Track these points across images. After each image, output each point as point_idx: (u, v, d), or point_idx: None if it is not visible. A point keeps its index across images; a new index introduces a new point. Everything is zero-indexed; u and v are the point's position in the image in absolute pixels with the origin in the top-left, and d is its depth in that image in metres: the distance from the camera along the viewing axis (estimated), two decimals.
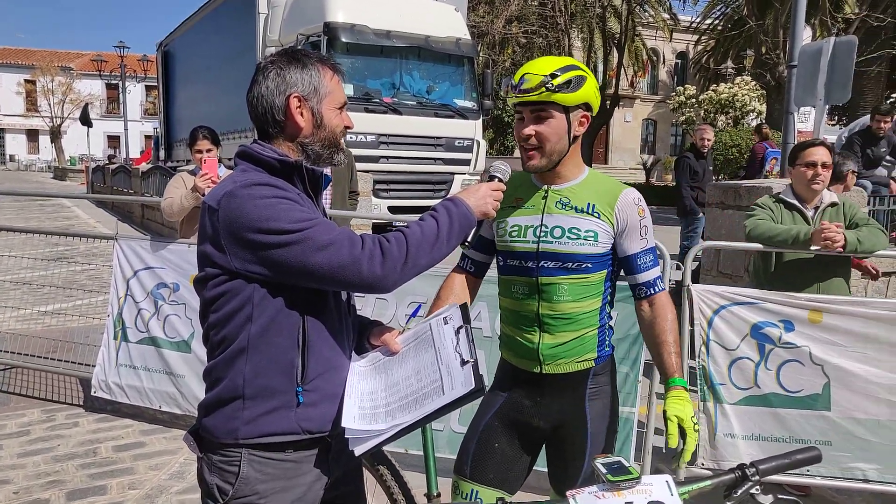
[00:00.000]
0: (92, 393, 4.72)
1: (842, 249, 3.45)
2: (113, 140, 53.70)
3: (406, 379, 1.72)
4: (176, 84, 19.81)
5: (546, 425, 2.17)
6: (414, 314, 2.07)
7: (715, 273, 6.52)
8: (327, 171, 1.90)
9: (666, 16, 33.74)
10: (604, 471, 1.30)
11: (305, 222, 1.59)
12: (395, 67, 11.31)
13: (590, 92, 2.03)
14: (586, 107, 2.05)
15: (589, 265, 2.07)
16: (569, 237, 2.05)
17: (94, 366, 4.77)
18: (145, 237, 4.88)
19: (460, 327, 1.72)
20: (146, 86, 51.12)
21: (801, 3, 7.75)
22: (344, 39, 10.60)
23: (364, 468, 2.04)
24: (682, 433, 1.91)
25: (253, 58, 12.67)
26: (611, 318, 2.20)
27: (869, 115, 8.03)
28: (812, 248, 3.52)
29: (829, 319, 3.49)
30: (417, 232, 1.69)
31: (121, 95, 34.61)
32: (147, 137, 48.48)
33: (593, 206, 2.07)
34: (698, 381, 3.57)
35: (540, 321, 2.11)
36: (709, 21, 31.74)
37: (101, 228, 16.06)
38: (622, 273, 2.19)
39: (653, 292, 2.15)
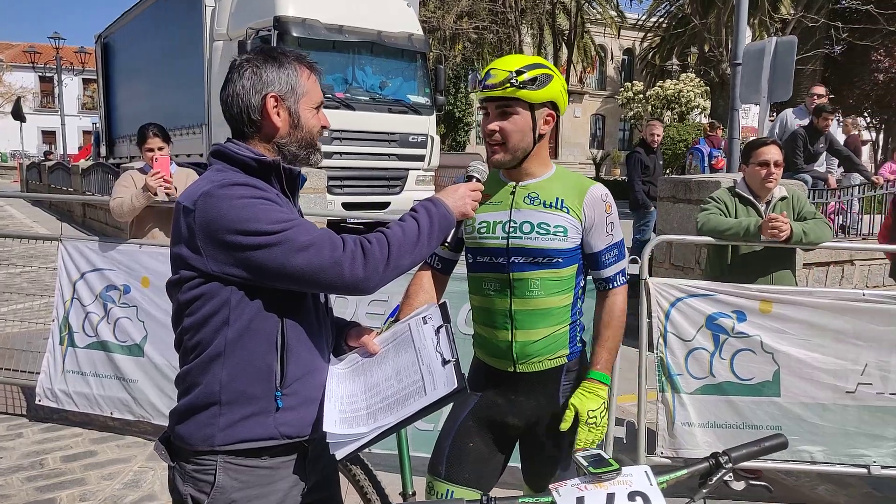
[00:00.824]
0: (36, 401, 4.54)
1: (788, 240, 3.56)
2: (48, 135, 51.64)
3: (386, 380, 1.69)
4: (117, 78, 19.23)
5: (521, 423, 2.18)
6: (392, 314, 2.04)
7: (667, 266, 6.67)
8: (305, 170, 1.89)
9: (613, 13, 34.26)
10: (585, 463, 1.32)
11: (285, 223, 1.56)
12: (347, 63, 11.20)
13: (556, 91, 2.04)
14: (553, 105, 2.06)
15: (559, 260, 2.08)
16: (538, 232, 2.06)
17: (37, 373, 4.60)
18: (92, 238, 4.73)
19: (440, 326, 1.71)
20: (83, 79, 49.49)
21: (744, 3, 7.96)
22: (295, 34, 10.43)
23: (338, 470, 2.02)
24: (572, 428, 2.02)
25: (199, 51, 12.40)
26: (581, 313, 2.22)
27: (791, 111, 8.30)
28: (761, 239, 3.62)
29: (779, 309, 3.60)
30: (399, 233, 1.67)
31: (56, 89, 33.47)
32: (85, 133, 46.98)
33: (562, 200, 2.09)
34: (657, 373, 3.64)
35: (512, 318, 2.11)
36: (654, 19, 32.38)
37: (38, 228, 15.56)
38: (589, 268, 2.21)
39: (611, 287, 2.18)
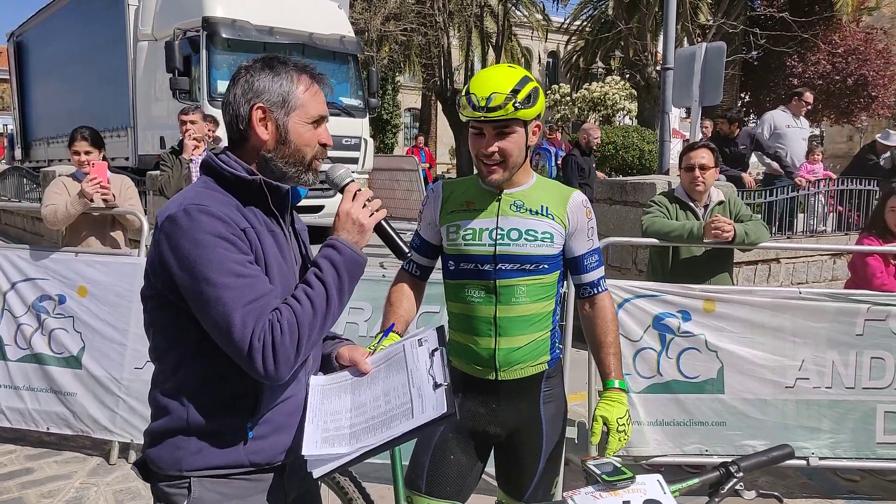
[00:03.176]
0: None
1: (731, 240, 3.70)
2: None
3: (374, 400, 1.64)
4: (32, 78, 18.36)
5: (502, 431, 2.19)
6: (386, 334, 2.00)
7: (605, 266, 6.83)
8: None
9: (539, 16, 34.79)
10: (598, 472, 1.34)
11: (233, 277, 1.48)
12: None
13: (542, 102, 2.07)
14: (538, 116, 2.09)
15: (545, 266, 2.11)
16: (526, 238, 2.09)
17: None
18: (23, 246, 4.51)
19: (435, 349, 1.67)
20: None
21: (672, 9, 8.25)
22: (224, 35, 10.21)
23: (323, 482, 1.99)
24: (605, 438, 2.03)
25: (122, 51, 11.97)
26: (560, 320, 2.25)
27: (775, 113, 8.68)
28: (705, 241, 3.75)
29: (721, 308, 3.74)
30: (308, 311, 1.54)
31: None
32: None
33: (546, 207, 2.12)
34: None
35: (497, 325, 2.12)
36: (578, 22, 33.05)
37: None
38: (569, 273, 2.25)
39: (596, 292, 2.22)
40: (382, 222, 1.71)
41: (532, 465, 2.19)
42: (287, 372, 1.53)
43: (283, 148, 1.63)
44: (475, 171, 2.22)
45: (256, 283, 1.51)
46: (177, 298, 1.53)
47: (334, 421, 1.63)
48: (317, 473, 1.56)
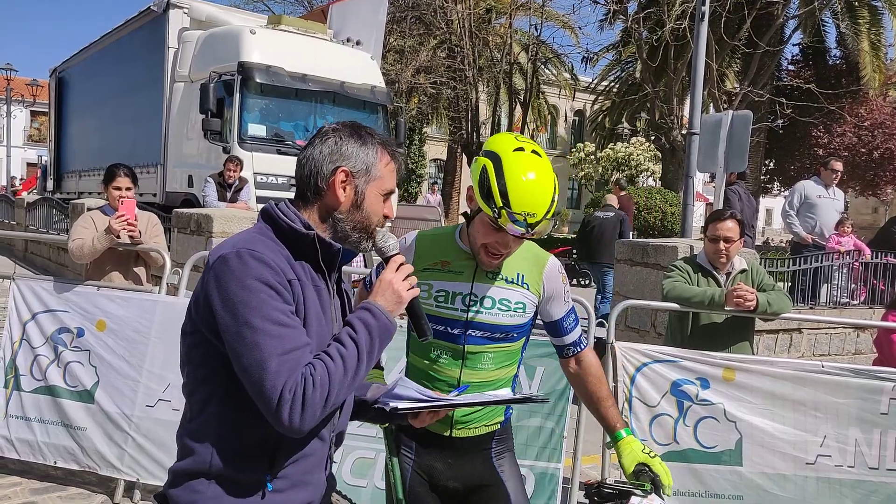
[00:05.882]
0: None
1: (753, 309, 3.65)
2: None
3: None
4: (70, 112, 18.87)
5: (460, 486, 2.19)
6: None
7: (623, 327, 6.74)
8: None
9: (567, 76, 35.30)
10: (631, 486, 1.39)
11: (273, 325, 1.51)
12: (309, 111, 11.24)
13: None
14: None
15: (514, 335, 2.14)
16: (500, 308, 2.10)
17: None
18: (47, 278, 4.56)
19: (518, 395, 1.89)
20: (32, 111, 48.34)
21: (699, 75, 8.34)
22: (258, 80, 10.46)
23: None
24: (651, 471, 2.01)
25: (159, 91, 12.29)
26: (518, 383, 2.29)
27: (807, 182, 8.70)
28: (726, 308, 3.70)
29: (741, 378, 3.67)
30: (340, 370, 1.56)
31: (5, 120, 32.58)
32: (30, 165, 45.64)
33: (522, 276, 2.13)
34: None
35: (459, 387, 2.12)
36: (605, 83, 33.48)
37: None
38: (548, 335, 2.29)
39: (580, 350, 2.24)
40: (414, 300, 1.76)
41: None
42: (310, 426, 1.54)
43: (356, 213, 1.70)
44: (456, 230, 2.21)
45: (295, 335, 1.54)
46: (214, 338, 1.56)
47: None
48: (392, 405, 1.72)
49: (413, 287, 1.72)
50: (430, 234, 2.26)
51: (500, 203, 1.92)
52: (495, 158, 1.95)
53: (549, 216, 1.94)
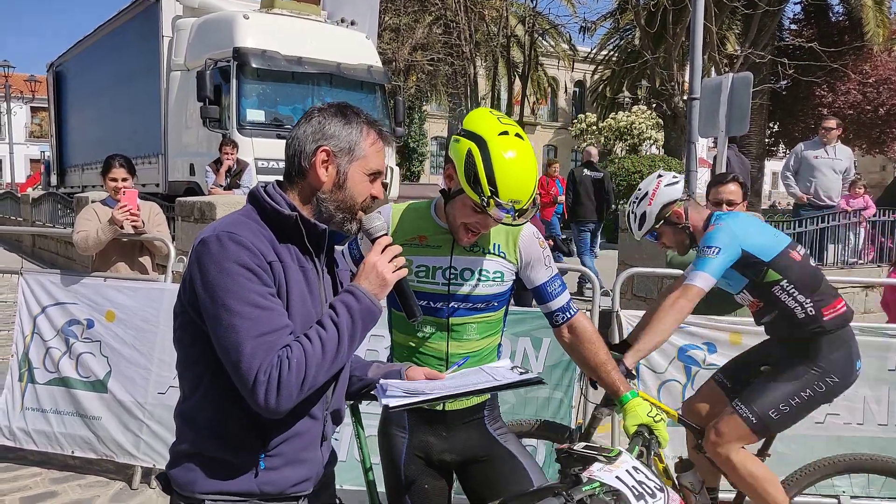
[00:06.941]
0: None
1: None
2: None
3: (451, 379, 1.88)
4: (69, 106, 18.87)
5: (458, 457, 2.21)
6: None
7: (629, 296, 6.77)
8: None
9: (565, 46, 35.02)
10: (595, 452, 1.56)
11: (250, 307, 1.53)
12: (306, 94, 11.19)
13: None
14: None
15: (495, 304, 2.16)
16: (480, 279, 2.11)
17: None
18: (54, 271, 4.59)
19: (515, 366, 1.89)
20: (32, 107, 48.32)
21: (698, 39, 8.25)
22: (254, 65, 10.42)
23: None
24: (648, 435, 2.07)
25: (155, 81, 12.26)
26: (501, 352, 2.30)
27: (804, 144, 8.68)
28: None
29: (747, 341, 3.67)
30: (318, 352, 1.57)
31: (5, 117, 32.60)
32: (33, 161, 45.73)
33: (498, 245, 2.15)
34: None
35: (448, 360, 2.14)
36: (605, 52, 33.20)
37: None
38: (535, 303, 2.28)
39: (570, 316, 2.24)
40: (402, 281, 1.75)
41: (496, 486, 2.17)
42: (287, 407, 1.56)
43: (338, 193, 1.70)
44: (430, 204, 2.19)
45: (273, 317, 1.55)
46: (199, 319, 1.59)
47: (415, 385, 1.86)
48: (390, 403, 1.74)
49: (400, 268, 1.71)
50: (405, 207, 2.24)
51: (488, 192, 1.91)
52: (480, 143, 1.93)
53: (531, 200, 1.96)
